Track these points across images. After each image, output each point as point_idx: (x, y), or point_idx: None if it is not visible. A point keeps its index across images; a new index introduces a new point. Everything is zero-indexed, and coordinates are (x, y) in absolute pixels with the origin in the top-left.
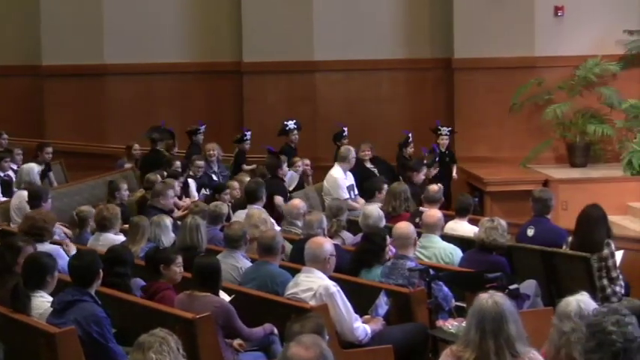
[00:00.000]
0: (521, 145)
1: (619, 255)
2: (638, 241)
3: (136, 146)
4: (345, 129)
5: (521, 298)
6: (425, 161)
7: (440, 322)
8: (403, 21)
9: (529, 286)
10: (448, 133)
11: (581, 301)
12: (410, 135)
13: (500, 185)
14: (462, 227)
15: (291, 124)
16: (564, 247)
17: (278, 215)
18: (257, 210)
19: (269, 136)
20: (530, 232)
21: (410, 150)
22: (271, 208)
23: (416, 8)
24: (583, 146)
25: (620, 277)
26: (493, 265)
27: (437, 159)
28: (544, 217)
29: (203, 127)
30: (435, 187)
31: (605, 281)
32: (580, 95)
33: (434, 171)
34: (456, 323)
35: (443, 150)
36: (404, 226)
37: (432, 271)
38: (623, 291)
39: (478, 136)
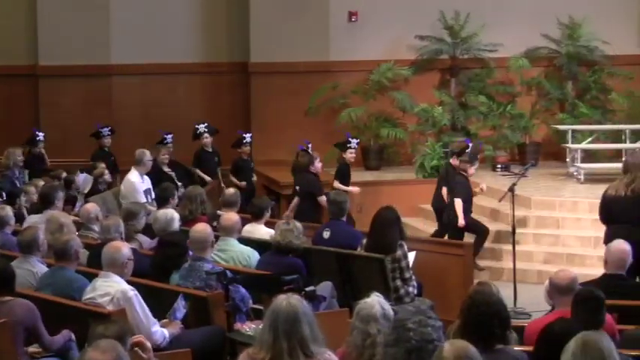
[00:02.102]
0: (316, 148)
1: (412, 256)
2: (430, 242)
3: None
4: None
5: (317, 300)
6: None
7: (237, 325)
8: (200, 25)
9: (325, 287)
10: (356, 146)
11: (383, 302)
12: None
13: None
14: (259, 230)
15: (202, 127)
16: (359, 248)
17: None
18: (56, 214)
19: (68, 140)
20: (326, 234)
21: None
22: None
23: (212, 12)
24: (377, 149)
25: (413, 277)
26: (289, 267)
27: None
28: (339, 220)
29: None
30: (231, 191)
31: (398, 282)
32: (374, 99)
33: None
34: (253, 326)
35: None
36: (201, 229)
37: (229, 274)
38: (415, 291)
39: (275, 140)
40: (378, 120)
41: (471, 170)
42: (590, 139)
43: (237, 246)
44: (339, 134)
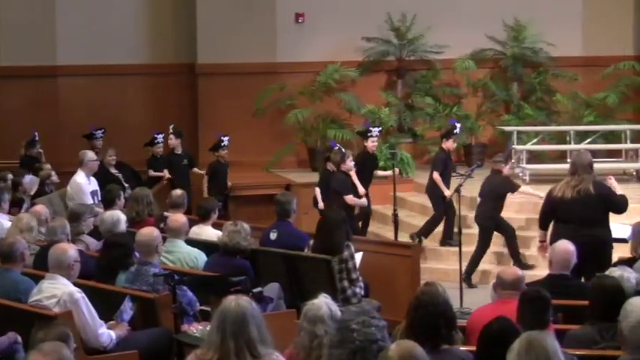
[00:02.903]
0: (264, 149)
1: (358, 257)
2: (377, 243)
3: None
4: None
5: (264, 301)
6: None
7: (185, 327)
8: (147, 26)
9: (272, 288)
10: (378, 134)
11: (330, 303)
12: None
13: (244, 189)
14: (206, 232)
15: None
16: (306, 250)
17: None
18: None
19: (10, 142)
20: (273, 235)
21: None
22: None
23: (160, 14)
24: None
25: (360, 278)
26: (237, 268)
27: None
28: (286, 221)
29: None
30: (178, 192)
31: (345, 283)
32: (321, 100)
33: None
34: (200, 327)
35: (371, 152)
36: (147, 232)
37: (176, 276)
38: (362, 292)
39: None
40: (325, 121)
41: (506, 170)
42: (535, 140)
43: (184, 247)
44: (286, 135)
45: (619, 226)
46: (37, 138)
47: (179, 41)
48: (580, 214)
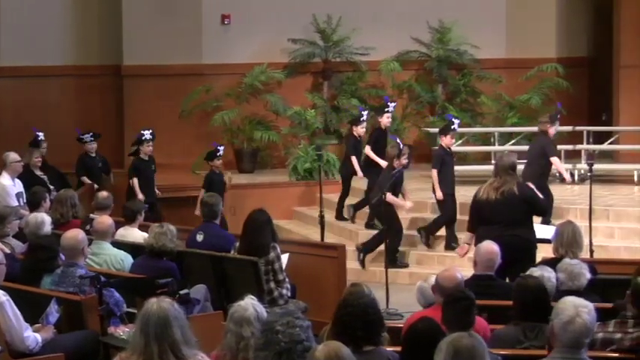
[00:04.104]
0: (191, 151)
1: (285, 258)
2: (303, 245)
3: None
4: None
5: (191, 303)
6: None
7: (111, 329)
8: (73, 28)
9: (199, 290)
10: (393, 110)
11: (256, 305)
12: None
13: (171, 191)
14: (133, 233)
15: (147, 134)
16: (232, 251)
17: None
18: None
19: None
20: (200, 237)
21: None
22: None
23: (85, 15)
24: (250, 152)
25: (287, 279)
26: (163, 270)
27: None
28: (212, 222)
29: None
30: (104, 194)
31: (272, 284)
32: (247, 102)
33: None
34: (127, 329)
35: (384, 128)
36: (73, 234)
37: (103, 278)
38: (289, 293)
39: None
40: (252, 123)
41: (552, 130)
42: (459, 141)
43: (110, 249)
44: (213, 137)
45: (543, 227)
46: (40, 137)
47: (105, 43)
48: (504, 215)
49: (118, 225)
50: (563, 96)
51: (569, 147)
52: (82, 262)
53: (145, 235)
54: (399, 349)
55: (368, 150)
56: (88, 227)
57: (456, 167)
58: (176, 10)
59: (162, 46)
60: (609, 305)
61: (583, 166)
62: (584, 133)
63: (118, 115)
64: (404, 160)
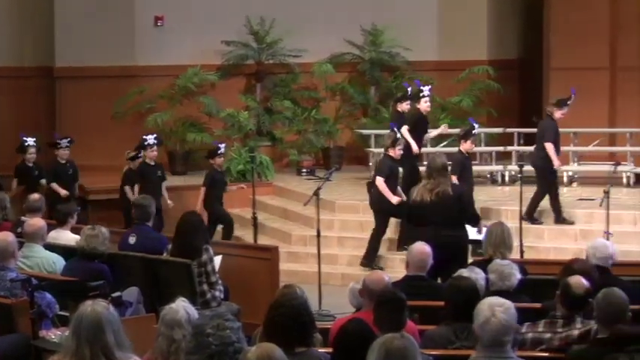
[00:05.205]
0: (124, 153)
1: (218, 260)
2: (236, 246)
3: None
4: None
5: (123, 306)
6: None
7: (43, 332)
8: (4, 29)
9: (131, 293)
10: (430, 93)
11: (188, 307)
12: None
13: (103, 193)
14: (65, 236)
15: (150, 138)
16: (165, 253)
17: None
18: None
19: None
20: (132, 239)
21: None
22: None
23: (17, 16)
24: (183, 154)
25: (219, 281)
26: (95, 273)
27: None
28: (145, 225)
29: None
30: (35, 196)
31: (205, 286)
32: (180, 104)
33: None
34: (59, 333)
35: (425, 113)
36: (3, 237)
37: (34, 281)
38: (222, 295)
39: (81, 145)
40: (185, 125)
41: (558, 114)
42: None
43: (42, 252)
44: None
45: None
46: (28, 143)
47: (37, 44)
48: (440, 216)
49: (50, 227)
50: (494, 98)
51: (500, 148)
52: (13, 265)
53: (77, 237)
54: (330, 350)
55: (404, 129)
56: (19, 230)
57: None
58: (109, 12)
59: (95, 48)
60: (539, 305)
61: (514, 167)
62: (515, 135)
63: (50, 117)
64: (398, 151)
